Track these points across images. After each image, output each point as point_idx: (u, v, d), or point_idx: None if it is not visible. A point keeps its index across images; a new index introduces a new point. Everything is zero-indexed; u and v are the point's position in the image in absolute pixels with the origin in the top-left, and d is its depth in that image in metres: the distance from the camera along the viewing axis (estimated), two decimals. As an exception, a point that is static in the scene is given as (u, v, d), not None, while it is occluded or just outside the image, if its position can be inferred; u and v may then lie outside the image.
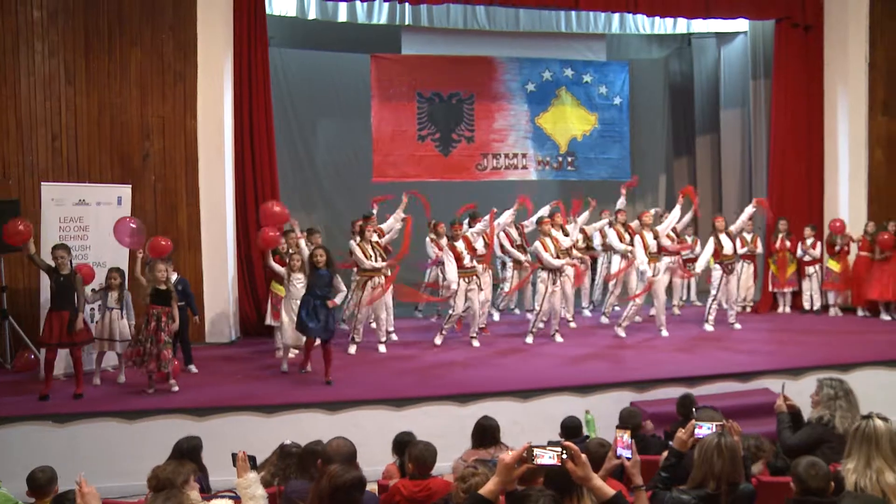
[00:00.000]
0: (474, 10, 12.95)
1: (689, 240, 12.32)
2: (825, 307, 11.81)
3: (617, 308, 11.32)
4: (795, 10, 12.24)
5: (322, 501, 3.28)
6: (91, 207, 8.66)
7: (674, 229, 10.57)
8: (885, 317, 11.15)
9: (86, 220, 8.60)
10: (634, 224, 10.63)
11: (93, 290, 8.15)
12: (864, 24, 11.95)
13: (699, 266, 10.81)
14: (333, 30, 13.53)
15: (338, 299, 8.20)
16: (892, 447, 3.97)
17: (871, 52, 11.97)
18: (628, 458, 3.91)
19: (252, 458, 4.31)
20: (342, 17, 12.37)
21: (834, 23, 12.26)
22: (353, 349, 9.51)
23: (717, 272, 10.64)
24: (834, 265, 11.57)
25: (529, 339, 9.90)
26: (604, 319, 11.36)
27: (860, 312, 11.46)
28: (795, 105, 12.41)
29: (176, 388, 7.70)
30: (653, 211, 11.21)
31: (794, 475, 3.84)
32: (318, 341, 8.17)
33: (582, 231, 11.38)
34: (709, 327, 10.64)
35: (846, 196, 12.09)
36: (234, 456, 4.31)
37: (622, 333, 10.15)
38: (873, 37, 11.98)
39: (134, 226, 8.26)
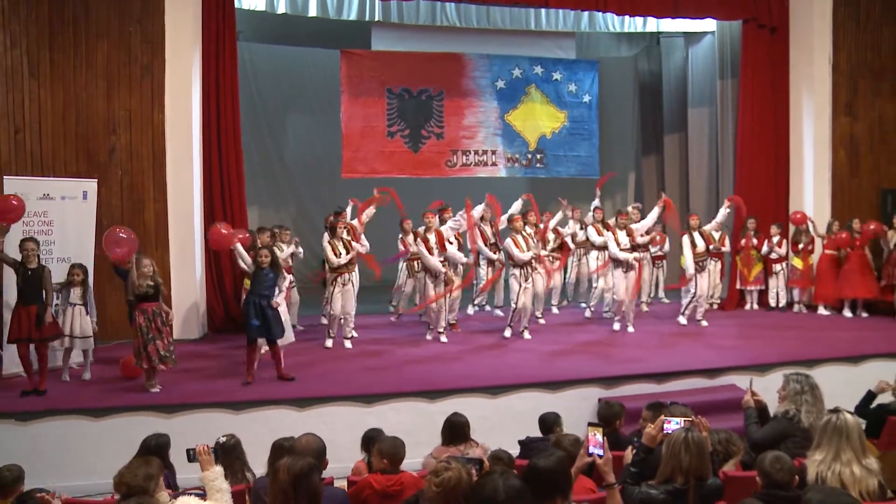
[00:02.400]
0: (444, 6, 12.94)
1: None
2: (790, 304, 11.98)
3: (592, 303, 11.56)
4: (762, 11, 12.39)
5: (287, 496, 3.27)
6: (56, 202, 8.51)
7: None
8: (847, 314, 11.35)
9: (50, 215, 8.46)
10: (611, 221, 10.91)
11: (55, 284, 8.02)
12: (827, 27, 12.14)
13: (688, 268, 10.70)
14: (303, 25, 13.46)
15: (279, 299, 8.08)
16: (861, 440, 4.10)
17: (835, 54, 12.17)
18: (600, 456, 3.94)
19: (214, 451, 4.27)
20: (312, 11, 12.30)
21: (799, 25, 12.44)
22: (329, 343, 9.52)
23: (691, 270, 10.75)
24: (798, 262, 11.74)
25: (508, 333, 9.95)
26: (588, 314, 11.66)
27: (822, 311, 11.62)
28: (761, 105, 12.56)
29: (156, 389, 7.55)
30: (630, 208, 11.41)
31: (759, 469, 3.91)
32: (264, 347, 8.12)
33: (555, 231, 11.42)
34: (682, 320, 10.78)
35: (811, 195, 12.28)
36: (189, 452, 4.25)
37: (617, 326, 10.40)
38: (836, 40, 12.17)
39: (124, 235, 7.99)
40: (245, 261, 8.07)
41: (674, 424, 4.20)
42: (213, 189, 10.48)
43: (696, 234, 10.76)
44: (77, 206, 8.69)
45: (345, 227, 9.63)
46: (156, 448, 4.95)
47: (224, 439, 4.89)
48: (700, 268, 10.69)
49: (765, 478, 3.84)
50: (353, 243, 9.56)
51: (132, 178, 9.92)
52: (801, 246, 11.69)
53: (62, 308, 8.02)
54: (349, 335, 9.63)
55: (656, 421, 4.32)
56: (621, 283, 10.20)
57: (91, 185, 8.96)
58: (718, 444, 4.79)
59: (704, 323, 10.78)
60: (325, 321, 10.26)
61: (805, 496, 3.24)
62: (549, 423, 5.80)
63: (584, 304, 12.20)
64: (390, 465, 4.51)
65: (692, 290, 10.74)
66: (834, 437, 4.11)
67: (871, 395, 6.06)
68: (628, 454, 4.42)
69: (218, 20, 10.46)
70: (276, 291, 8.02)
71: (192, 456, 4.23)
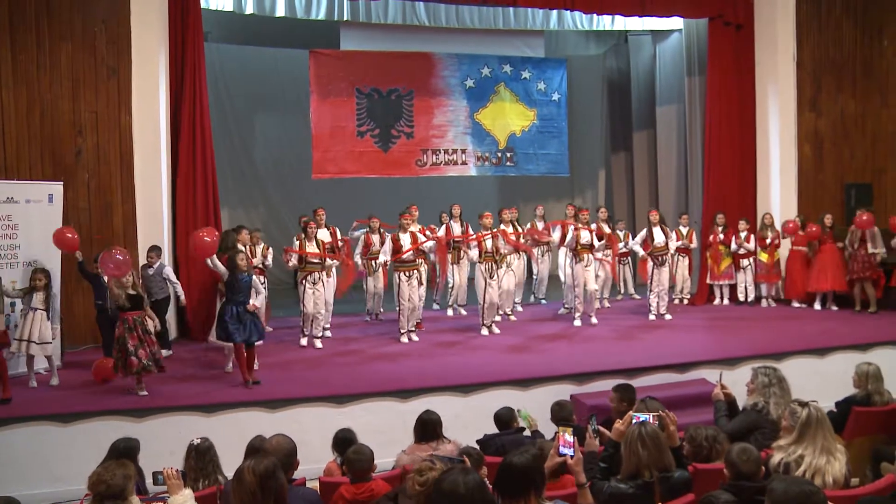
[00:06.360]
0: (413, 5, 12.93)
1: (620, 234, 12.58)
2: (758, 299, 12.12)
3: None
4: (727, 9, 12.56)
5: (255, 497, 3.26)
6: (20, 205, 8.38)
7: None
8: (818, 306, 11.49)
9: (15, 219, 8.32)
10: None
11: (18, 289, 7.89)
12: (791, 25, 12.32)
13: (634, 245, 11.40)
14: (271, 25, 13.39)
15: (258, 302, 8.04)
16: (832, 429, 4.33)
17: (799, 51, 12.35)
18: (571, 456, 3.95)
19: (183, 474, 4.21)
20: (280, 12, 12.22)
21: (763, 22, 12.62)
22: (304, 341, 9.61)
23: (650, 265, 10.96)
24: (764, 257, 11.88)
25: (485, 332, 10.09)
26: (562, 311, 11.74)
27: (795, 304, 11.76)
28: (728, 102, 12.72)
29: (144, 393, 7.39)
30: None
31: (726, 461, 3.96)
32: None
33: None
34: (652, 317, 10.96)
35: (777, 190, 12.45)
36: (156, 475, 4.16)
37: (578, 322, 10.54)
38: (800, 37, 12.36)
39: (120, 257, 7.54)
40: (219, 268, 7.95)
41: (642, 420, 4.22)
42: (187, 191, 10.39)
43: (655, 229, 10.98)
44: (42, 210, 8.56)
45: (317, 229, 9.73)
46: (124, 452, 4.87)
47: (198, 441, 4.85)
48: (659, 262, 10.90)
49: (732, 469, 3.89)
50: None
51: (99, 181, 9.80)
52: (767, 241, 11.82)
53: (24, 313, 7.88)
54: (320, 334, 9.67)
55: (625, 417, 4.35)
56: (585, 275, 10.36)
57: (57, 188, 8.83)
58: (705, 440, 4.82)
59: (668, 316, 10.97)
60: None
61: (769, 485, 3.29)
62: (505, 419, 5.82)
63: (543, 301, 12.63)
64: (353, 476, 4.53)
65: (650, 285, 11.04)
66: (819, 430, 4.27)
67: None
68: (589, 442, 4.45)
69: (185, 21, 10.38)
70: (254, 294, 8.00)
71: (159, 479, 4.12)
